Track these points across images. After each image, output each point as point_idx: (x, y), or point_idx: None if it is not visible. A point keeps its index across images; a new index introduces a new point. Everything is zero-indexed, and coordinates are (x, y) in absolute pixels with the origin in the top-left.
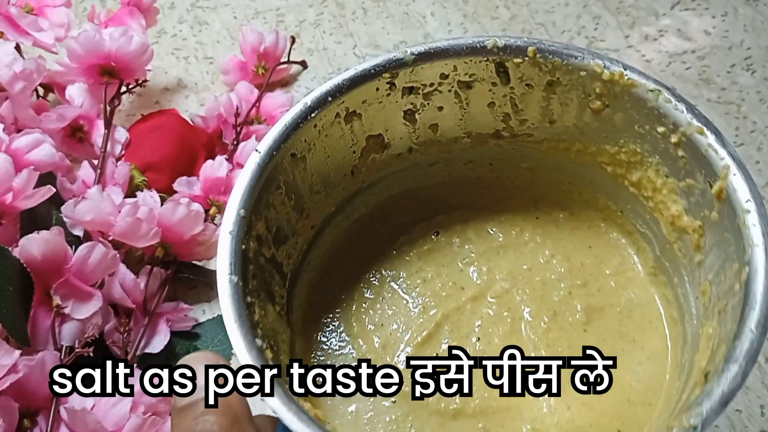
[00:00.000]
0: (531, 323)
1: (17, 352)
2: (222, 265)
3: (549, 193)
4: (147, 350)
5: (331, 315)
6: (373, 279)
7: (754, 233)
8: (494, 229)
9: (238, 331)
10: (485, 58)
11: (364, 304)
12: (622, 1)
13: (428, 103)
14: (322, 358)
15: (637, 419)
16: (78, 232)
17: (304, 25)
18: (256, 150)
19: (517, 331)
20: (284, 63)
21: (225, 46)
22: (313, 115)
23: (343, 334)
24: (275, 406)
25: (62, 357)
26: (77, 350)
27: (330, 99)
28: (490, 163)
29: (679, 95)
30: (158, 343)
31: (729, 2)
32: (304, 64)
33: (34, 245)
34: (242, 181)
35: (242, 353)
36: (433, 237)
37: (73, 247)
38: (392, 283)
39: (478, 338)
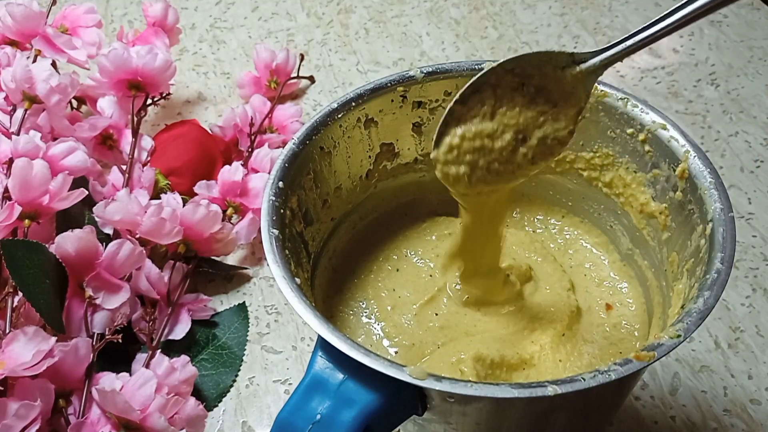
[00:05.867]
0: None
1: (53, 339)
2: (264, 220)
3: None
4: (170, 337)
5: (350, 287)
6: (394, 256)
7: (713, 196)
8: (510, 230)
9: (279, 269)
10: None
11: (381, 274)
12: (598, 22)
13: (433, 118)
14: (341, 315)
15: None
16: (108, 230)
17: (312, 43)
18: (293, 138)
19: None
20: (294, 78)
21: (241, 62)
22: (339, 116)
23: (359, 299)
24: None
25: (94, 343)
26: (107, 337)
27: (353, 104)
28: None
29: (644, 101)
30: (180, 330)
31: (695, 23)
32: (312, 79)
33: (68, 242)
34: (281, 160)
35: (284, 286)
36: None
37: (104, 244)
38: (410, 257)
39: None
